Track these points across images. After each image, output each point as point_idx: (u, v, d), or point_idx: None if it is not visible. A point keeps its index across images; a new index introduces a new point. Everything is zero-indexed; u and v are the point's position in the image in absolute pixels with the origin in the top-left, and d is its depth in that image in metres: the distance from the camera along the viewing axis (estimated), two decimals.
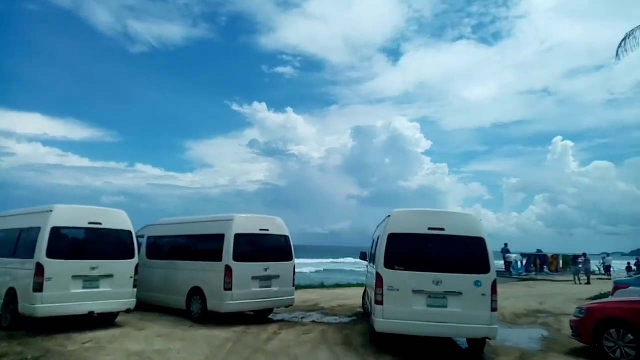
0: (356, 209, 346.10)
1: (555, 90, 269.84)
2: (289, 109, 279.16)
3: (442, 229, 7.63)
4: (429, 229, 7.64)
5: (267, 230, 10.56)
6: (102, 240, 9.48)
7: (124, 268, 9.49)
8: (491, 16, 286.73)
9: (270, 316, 11.28)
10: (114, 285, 9.22)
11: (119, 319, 9.92)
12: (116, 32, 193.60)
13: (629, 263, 33.37)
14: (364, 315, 11.45)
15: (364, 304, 12.07)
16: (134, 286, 9.65)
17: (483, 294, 7.34)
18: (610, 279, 31.42)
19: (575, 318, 8.37)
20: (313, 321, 10.98)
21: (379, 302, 7.48)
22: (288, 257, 10.92)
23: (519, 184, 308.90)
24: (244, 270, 9.80)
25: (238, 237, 9.94)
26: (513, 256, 31.87)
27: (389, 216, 8.15)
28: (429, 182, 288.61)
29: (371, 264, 9.92)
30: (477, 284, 7.35)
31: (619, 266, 43.66)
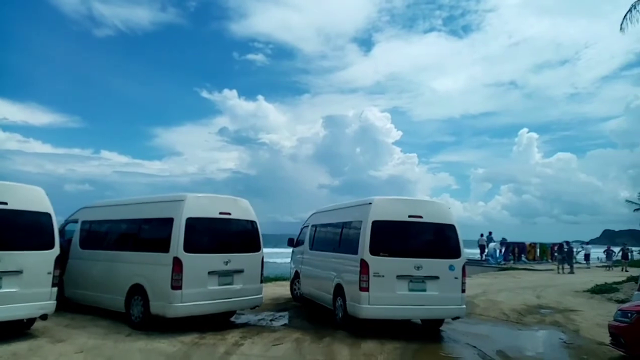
0: (327, 198, 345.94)
1: (522, 83, 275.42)
2: (260, 97, 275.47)
3: (421, 217, 7.98)
4: (409, 216, 7.93)
5: (229, 213, 8.67)
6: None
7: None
8: (461, 9, 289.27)
9: (232, 318, 9.26)
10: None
11: (35, 325, 7.66)
12: (81, 14, 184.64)
13: (608, 247, 32.68)
14: (302, 306, 10.53)
15: (293, 290, 11.87)
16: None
17: (456, 277, 7.93)
18: (589, 268, 30.95)
19: (617, 323, 6.66)
20: (285, 325, 9.03)
21: (364, 289, 7.53)
22: (255, 247, 9.10)
23: (486, 174, 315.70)
24: (197, 264, 7.97)
25: (190, 221, 8.01)
26: (492, 244, 30.82)
27: (370, 203, 8.02)
28: (399, 172, 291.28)
29: (314, 250, 10.38)
30: (451, 268, 7.89)
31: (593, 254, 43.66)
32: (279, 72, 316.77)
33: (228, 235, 8.89)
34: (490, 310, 11.10)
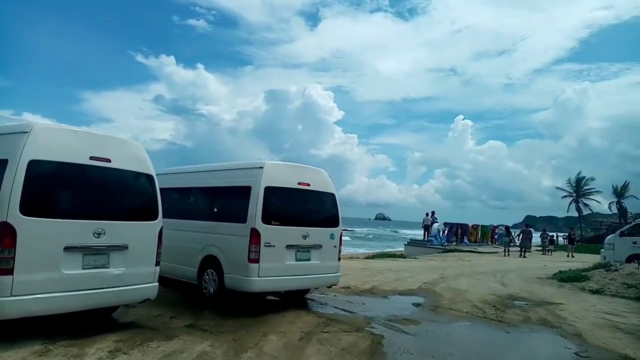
0: None
1: (462, 70, 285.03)
2: (200, 66, 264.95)
3: (308, 184, 7.86)
4: (299, 183, 7.73)
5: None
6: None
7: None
8: None
9: (115, 314, 6.40)
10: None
11: None
12: None
13: (544, 230, 32.42)
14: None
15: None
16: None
17: (335, 246, 8.13)
18: (530, 252, 30.34)
19: None
20: (190, 326, 6.25)
21: (254, 260, 7.06)
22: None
23: (422, 158, 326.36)
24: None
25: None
26: (436, 225, 29.57)
27: (261, 167, 7.39)
28: (339, 152, 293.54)
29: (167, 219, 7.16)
30: (332, 236, 8.08)
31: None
32: (221, 41, 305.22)
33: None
34: (458, 303, 8.95)
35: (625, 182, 53.02)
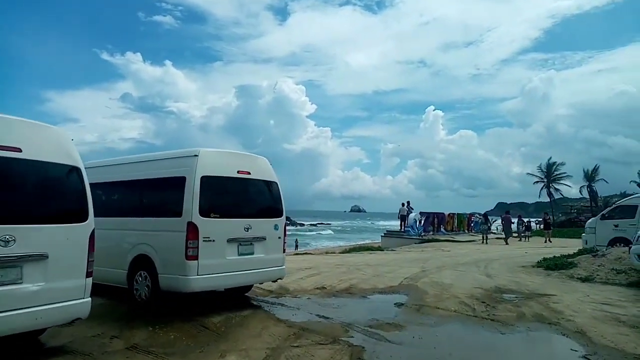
0: None
1: (431, 62, 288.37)
2: (168, 62, 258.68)
3: (249, 173, 7.36)
4: (238, 172, 7.20)
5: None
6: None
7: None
8: None
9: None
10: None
11: None
12: None
13: (519, 216, 32.15)
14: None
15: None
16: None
17: (279, 237, 7.69)
18: (530, 237, 29.82)
19: None
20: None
21: (193, 257, 6.39)
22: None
23: (395, 149, 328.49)
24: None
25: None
26: (412, 215, 29.02)
27: (196, 155, 6.68)
28: (313, 145, 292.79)
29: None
30: (276, 227, 7.64)
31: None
32: (189, 37, 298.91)
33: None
34: (445, 300, 8.12)
35: (595, 166, 53.94)
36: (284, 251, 7.87)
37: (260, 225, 7.37)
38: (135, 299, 7.00)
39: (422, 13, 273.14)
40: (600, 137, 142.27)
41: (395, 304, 7.90)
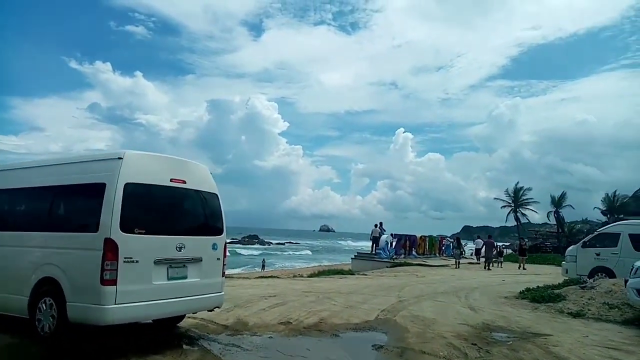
0: None
1: (402, 84, 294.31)
2: (138, 73, 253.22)
3: (184, 181, 6.28)
4: (172, 180, 6.10)
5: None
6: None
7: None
8: (351, 6, 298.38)
9: None
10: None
11: None
12: None
13: (522, 239, 31.43)
14: None
15: None
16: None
17: (218, 258, 6.67)
18: (479, 263, 29.43)
19: None
20: None
21: (110, 282, 5.17)
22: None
23: (365, 169, 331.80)
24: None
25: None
26: (384, 237, 27.99)
27: (120, 158, 5.54)
28: (284, 163, 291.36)
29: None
30: (214, 247, 6.62)
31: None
32: (161, 49, 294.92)
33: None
34: (430, 340, 6.94)
35: (563, 193, 54.71)
36: (223, 274, 6.76)
37: (196, 244, 6.33)
38: (37, 332, 5.63)
39: (394, 36, 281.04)
40: (562, 164, 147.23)
41: (373, 346, 6.66)
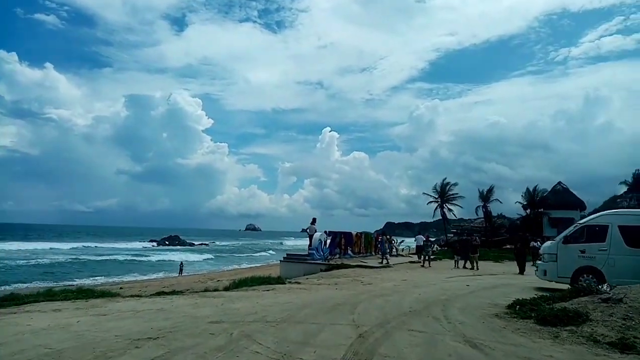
0: (127, 186, 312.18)
1: (328, 84, 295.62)
2: (49, 65, 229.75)
3: None
4: None
5: None
6: None
7: None
8: (277, 4, 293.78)
9: None
10: None
11: None
12: None
13: (471, 235, 29.18)
14: None
15: None
16: None
17: None
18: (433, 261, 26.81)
19: None
20: None
21: None
22: None
23: (292, 168, 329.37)
24: None
25: None
26: (317, 234, 24.38)
27: None
28: (208, 161, 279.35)
29: None
30: None
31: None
32: (75, 40, 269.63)
33: None
34: None
35: (491, 187, 54.75)
36: None
37: None
38: None
39: (320, 37, 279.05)
40: (476, 163, 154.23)
41: None
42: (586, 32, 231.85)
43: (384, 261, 24.54)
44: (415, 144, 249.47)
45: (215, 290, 13.43)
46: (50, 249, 63.50)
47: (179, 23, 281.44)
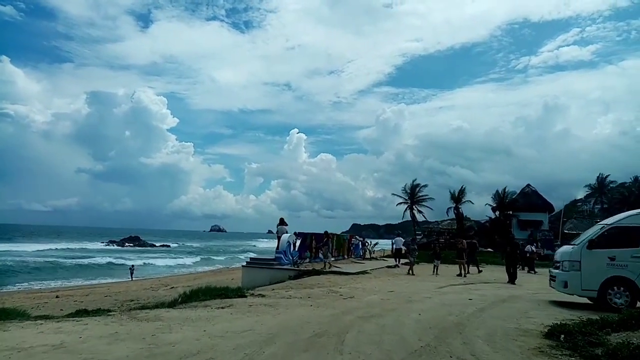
0: (87, 185, 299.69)
1: (296, 86, 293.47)
2: (5, 58, 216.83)
3: None
4: None
5: None
6: None
7: None
8: (245, 4, 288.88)
9: None
10: None
11: None
12: None
13: (461, 239, 27.07)
14: None
15: None
16: None
17: None
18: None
19: None
20: None
21: None
22: None
23: (259, 169, 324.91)
24: None
25: None
26: (285, 236, 21.64)
27: None
28: (173, 161, 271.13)
29: None
30: None
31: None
32: (33, 33, 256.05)
33: None
34: None
35: (462, 187, 53.60)
36: None
37: None
38: None
39: (288, 38, 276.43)
40: (441, 166, 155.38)
41: None
42: (545, 42, 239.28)
43: (327, 266, 20.98)
44: (382, 147, 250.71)
45: (157, 306, 10.51)
46: None
47: (144, 19, 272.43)
